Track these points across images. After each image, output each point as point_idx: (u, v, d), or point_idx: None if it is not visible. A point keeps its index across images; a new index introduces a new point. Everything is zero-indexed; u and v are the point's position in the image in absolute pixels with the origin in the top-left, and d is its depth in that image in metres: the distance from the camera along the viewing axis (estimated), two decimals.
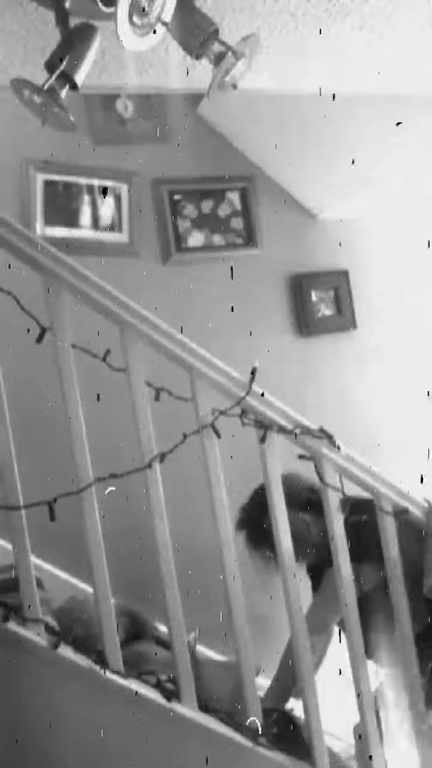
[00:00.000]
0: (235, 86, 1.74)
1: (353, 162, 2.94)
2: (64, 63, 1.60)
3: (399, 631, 2.19)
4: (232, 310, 3.16)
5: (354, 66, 2.21)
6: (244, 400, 2.02)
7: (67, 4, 1.58)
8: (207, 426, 1.98)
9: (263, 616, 2.55)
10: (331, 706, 2.21)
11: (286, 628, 2.09)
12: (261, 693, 2.15)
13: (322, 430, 2.11)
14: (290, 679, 2.18)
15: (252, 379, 2.02)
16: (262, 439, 2.05)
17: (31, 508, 1.79)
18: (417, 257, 3.53)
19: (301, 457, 2.15)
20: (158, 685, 1.91)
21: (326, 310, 3.41)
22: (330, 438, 2.11)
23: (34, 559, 1.82)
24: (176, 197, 3.19)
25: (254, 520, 2.32)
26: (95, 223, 3.05)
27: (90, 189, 3.05)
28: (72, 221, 3.02)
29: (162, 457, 1.93)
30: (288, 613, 2.06)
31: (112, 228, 3.08)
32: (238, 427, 2.07)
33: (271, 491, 2.05)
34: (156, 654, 2.33)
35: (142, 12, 1.48)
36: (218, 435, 1.98)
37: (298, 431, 2.07)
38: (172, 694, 1.90)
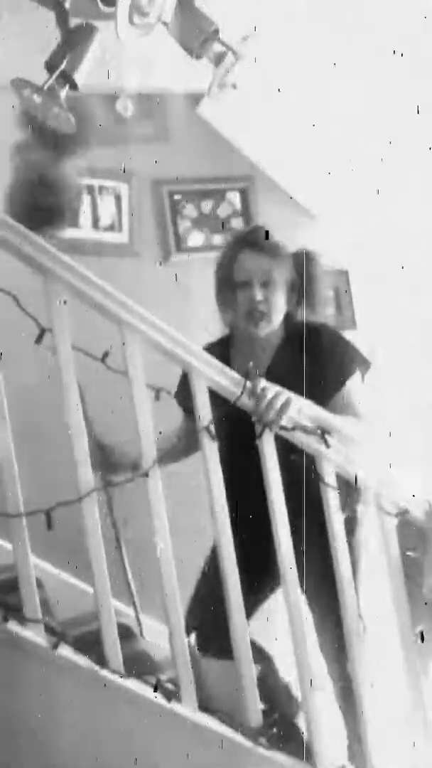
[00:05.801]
0: (235, 86, 1.74)
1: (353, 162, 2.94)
2: (64, 63, 1.60)
3: (400, 630, 2.18)
4: None
5: (353, 66, 2.21)
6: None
7: (67, 4, 1.58)
8: (206, 426, 1.98)
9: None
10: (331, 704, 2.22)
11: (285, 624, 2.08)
12: None
13: (321, 430, 2.10)
14: None
15: (248, 379, 2.02)
16: (259, 436, 2.04)
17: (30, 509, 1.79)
18: (417, 257, 3.52)
19: None
20: (158, 685, 1.91)
21: (326, 310, 3.40)
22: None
23: (34, 559, 1.82)
24: (176, 197, 3.19)
25: None
26: (95, 223, 3.05)
27: (90, 189, 3.05)
28: (72, 221, 3.02)
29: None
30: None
31: (112, 228, 3.08)
32: None
33: (271, 491, 2.04)
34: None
35: (142, 12, 1.48)
36: (213, 438, 1.98)
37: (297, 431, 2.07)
38: (172, 694, 1.91)
